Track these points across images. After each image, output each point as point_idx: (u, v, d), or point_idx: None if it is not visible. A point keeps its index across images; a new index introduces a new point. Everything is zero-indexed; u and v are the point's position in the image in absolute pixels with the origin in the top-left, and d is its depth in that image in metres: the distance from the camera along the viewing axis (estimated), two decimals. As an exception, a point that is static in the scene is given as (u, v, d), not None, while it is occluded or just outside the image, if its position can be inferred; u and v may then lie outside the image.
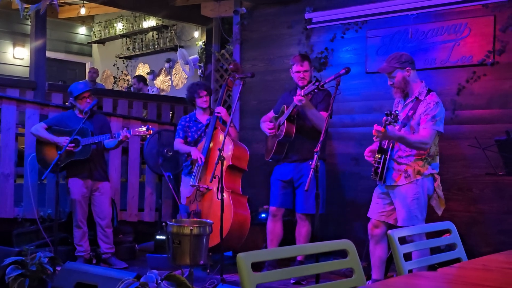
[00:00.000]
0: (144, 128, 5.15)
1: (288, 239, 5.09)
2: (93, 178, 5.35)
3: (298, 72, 4.86)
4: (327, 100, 4.82)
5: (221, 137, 5.12)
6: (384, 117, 3.71)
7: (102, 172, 5.44)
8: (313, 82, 4.51)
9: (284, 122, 4.79)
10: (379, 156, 3.98)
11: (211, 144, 5.22)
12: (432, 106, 3.92)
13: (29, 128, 5.88)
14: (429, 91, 4.02)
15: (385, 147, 3.99)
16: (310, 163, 3.97)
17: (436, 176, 4.03)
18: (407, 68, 4.00)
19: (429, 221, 3.83)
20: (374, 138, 3.85)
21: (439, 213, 4.04)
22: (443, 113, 3.98)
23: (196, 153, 5.25)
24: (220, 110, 5.25)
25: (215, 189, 4.98)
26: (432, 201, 4.03)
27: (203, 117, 5.52)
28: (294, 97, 4.63)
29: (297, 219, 5.00)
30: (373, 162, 4.06)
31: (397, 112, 3.75)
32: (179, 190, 5.74)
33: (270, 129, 4.96)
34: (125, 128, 5.22)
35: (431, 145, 3.96)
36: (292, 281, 4.69)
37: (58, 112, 5.92)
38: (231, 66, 5.50)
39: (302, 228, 4.95)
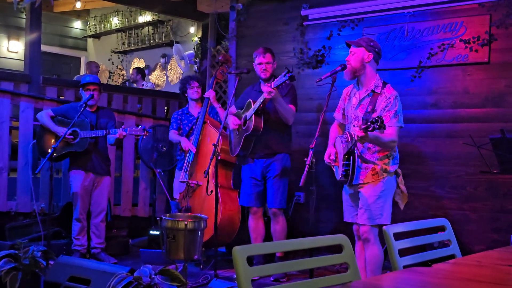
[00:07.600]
0: (140, 127, 5.16)
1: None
2: (95, 172, 5.36)
3: (260, 64, 4.81)
4: (292, 93, 4.79)
5: (211, 130, 5.11)
6: (369, 123, 3.48)
7: (105, 166, 5.45)
8: (284, 73, 4.46)
9: (251, 116, 4.69)
10: (347, 157, 3.83)
11: (200, 138, 5.22)
12: (392, 101, 3.84)
13: (23, 122, 5.87)
14: (384, 83, 3.95)
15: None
16: (305, 159, 3.96)
17: (399, 171, 3.98)
18: (370, 54, 3.93)
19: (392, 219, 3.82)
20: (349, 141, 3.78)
21: (402, 207, 4.02)
22: (401, 106, 3.90)
23: (186, 143, 5.26)
24: (209, 94, 5.20)
25: (204, 184, 4.96)
26: (396, 196, 3.99)
27: (194, 110, 5.54)
28: (263, 89, 4.55)
29: (270, 216, 4.90)
30: (335, 164, 3.98)
31: (382, 117, 3.48)
32: (172, 185, 5.73)
33: (235, 124, 4.88)
34: (122, 127, 5.24)
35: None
36: (272, 279, 4.60)
37: (52, 106, 5.90)
38: (220, 58, 5.45)
39: (276, 225, 4.86)
